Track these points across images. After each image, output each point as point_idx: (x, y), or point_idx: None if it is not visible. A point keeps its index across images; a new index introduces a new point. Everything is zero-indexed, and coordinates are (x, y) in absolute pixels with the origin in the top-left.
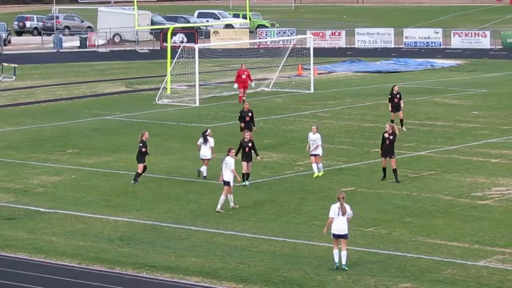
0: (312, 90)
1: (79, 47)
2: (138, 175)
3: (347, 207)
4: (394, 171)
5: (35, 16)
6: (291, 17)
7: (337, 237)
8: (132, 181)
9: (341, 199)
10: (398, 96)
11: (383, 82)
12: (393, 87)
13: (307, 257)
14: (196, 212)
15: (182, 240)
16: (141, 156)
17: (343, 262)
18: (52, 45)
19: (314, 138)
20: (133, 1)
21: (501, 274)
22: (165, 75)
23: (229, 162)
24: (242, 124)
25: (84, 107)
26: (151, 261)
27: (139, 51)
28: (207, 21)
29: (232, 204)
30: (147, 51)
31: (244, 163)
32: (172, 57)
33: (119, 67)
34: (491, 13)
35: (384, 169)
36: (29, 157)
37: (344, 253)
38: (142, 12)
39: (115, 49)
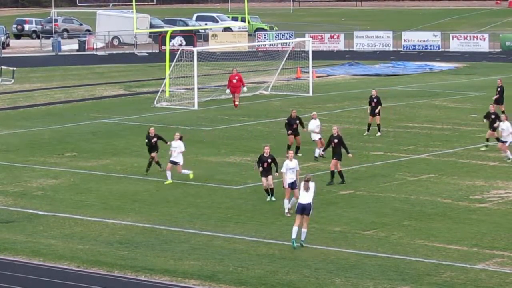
0: (310, 93)
1: (77, 50)
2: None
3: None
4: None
5: (33, 19)
6: (290, 20)
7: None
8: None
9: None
10: (375, 100)
11: (381, 85)
12: (372, 91)
13: (306, 260)
14: (195, 215)
15: (181, 243)
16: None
17: (302, 238)
18: (50, 48)
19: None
20: (132, 4)
21: (500, 277)
22: (164, 78)
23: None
24: (289, 132)
25: (83, 110)
26: (149, 264)
27: (138, 54)
28: (206, 24)
29: (289, 206)
30: (146, 54)
31: (264, 179)
32: (171, 60)
33: (118, 70)
34: (490, 16)
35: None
36: (28, 160)
37: (304, 231)
38: (140, 15)
39: (114, 52)
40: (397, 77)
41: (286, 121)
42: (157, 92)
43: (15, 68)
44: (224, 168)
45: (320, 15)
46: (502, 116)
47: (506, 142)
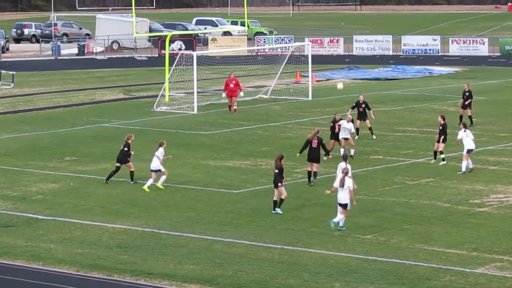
0: (310, 97)
1: (77, 54)
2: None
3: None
4: (315, 174)
5: (33, 24)
6: (289, 24)
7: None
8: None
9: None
10: (363, 105)
11: (381, 90)
12: (359, 96)
13: (305, 264)
14: (194, 219)
15: (180, 247)
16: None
17: (341, 224)
18: (50, 52)
19: (349, 126)
20: (131, 9)
21: (499, 282)
22: (163, 83)
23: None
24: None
25: (82, 114)
26: (149, 268)
27: (137, 58)
28: (205, 28)
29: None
30: (145, 58)
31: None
32: (170, 65)
33: (117, 74)
34: (489, 20)
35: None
36: (27, 164)
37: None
38: (140, 20)
39: (113, 56)
40: (397, 81)
41: (331, 124)
42: (157, 96)
43: (14, 72)
44: (223, 172)
45: (320, 19)
46: (460, 125)
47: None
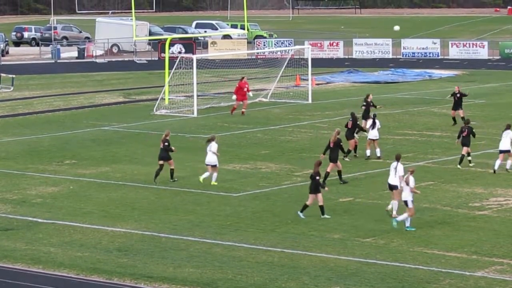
0: (310, 101)
1: (77, 58)
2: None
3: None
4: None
5: (33, 27)
6: (289, 27)
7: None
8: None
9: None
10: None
11: (381, 93)
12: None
13: (305, 268)
14: (194, 222)
15: (180, 251)
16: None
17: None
18: (50, 55)
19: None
20: (131, 12)
21: (499, 285)
22: (163, 86)
23: (398, 168)
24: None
25: (82, 117)
26: (149, 272)
27: (137, 61)
28: (205, 31)
29: (394, 212)
30: (145, 61)
31: (310, 195)
32: (170, 68)
33: (117, 77)
34: (489, 23)
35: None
36: (27, 167)
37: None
38: (140, 23)
39: (113, 59)
40: (397, 84)
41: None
42: (157, 99)
43: (14, 76)
44: (223, 176)
45: (319, 22)
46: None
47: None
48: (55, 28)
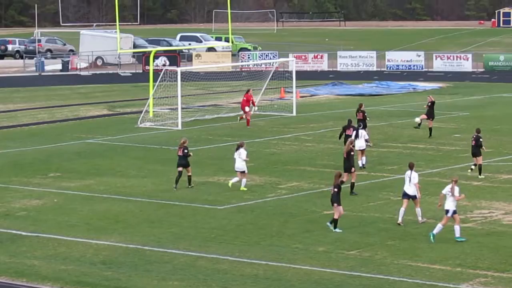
0: (294, 113)
1: (61, 70)
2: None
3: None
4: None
5: (17, 39)
6: (274, 40)
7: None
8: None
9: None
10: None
11: (365, 105)
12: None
13: (290, 280)
14: (178, 235)
15: (165, 264)
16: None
17: (457, 234)
18: (34, 68)
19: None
20: (116, 25)
21: None
22: (148, 98)
23: (413, 176)
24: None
25: (67, 130)
26: (133, 285)
27: (122, 74)
28: (190, 44)
29: (419, 218)
30: (130, 74)
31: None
32: (155, 80)
33: (102, 90)
34: (473, 36)
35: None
36: (11, 180)
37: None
38: (124, 35)
39: (98, 72)
40: (381, 97)
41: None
42: (141, 112)
43: None
44: (207, 188)
45: (304, 35)
46: None
47: None
48: (39, 40)
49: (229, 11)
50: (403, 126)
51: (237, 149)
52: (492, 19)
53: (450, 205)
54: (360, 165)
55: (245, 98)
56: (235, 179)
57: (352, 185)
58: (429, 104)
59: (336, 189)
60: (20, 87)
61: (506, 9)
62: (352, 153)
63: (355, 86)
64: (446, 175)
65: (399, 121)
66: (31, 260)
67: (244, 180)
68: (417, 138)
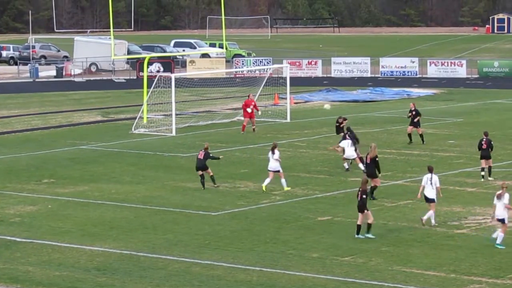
0: (288, 119)
1: (55, 77)
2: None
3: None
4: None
5: (11, 46)
6: (268, 46)
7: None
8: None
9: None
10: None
11: (359, 112)
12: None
13: (284, 287)
14: (173, 241)
15: (159, 270)
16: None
17: (498, 241)
18: (28, 74)
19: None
20: (110, 31)
21: None
22: (142, 105)
23: (434, 179)
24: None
25: (61, 136)
26: None
27: (116, 80)
28: (184, 50)
29: (433, 221)
30: (124, 80)
31: (360, 215)
32: (149, 87)
33: (96, 96)
34: (467, 42)
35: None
36: (5, 186)
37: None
38: (118, 42)
39: (92, 78)
40: (375, 103)
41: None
42: (135, 118)
43: None
44: (201, 195)
45: (298, 41)
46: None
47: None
48: (33, 47)
49: (223, 17)
50: (397, 132)
51: (273, 149)
52: (487, 25)
53: (502, 213)
54: (346, 167)
55: (244, 103)
56: (267, 181)
57: (374, 188)
58: (413, 111)
59: (364, 196)
60: (14, 93)
61: (500, 15)
62: (376, 159)
63: (349, 92)
64: (440, 181)
65: (393, 127)
66: (25, 266)
67: (283, 180)
68: (411, 145)
